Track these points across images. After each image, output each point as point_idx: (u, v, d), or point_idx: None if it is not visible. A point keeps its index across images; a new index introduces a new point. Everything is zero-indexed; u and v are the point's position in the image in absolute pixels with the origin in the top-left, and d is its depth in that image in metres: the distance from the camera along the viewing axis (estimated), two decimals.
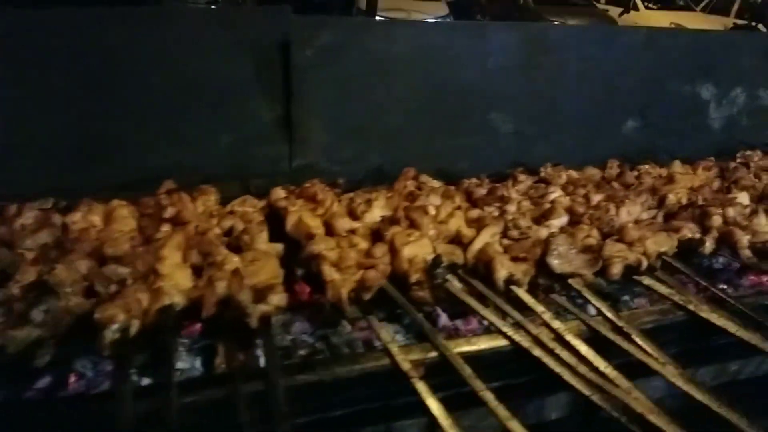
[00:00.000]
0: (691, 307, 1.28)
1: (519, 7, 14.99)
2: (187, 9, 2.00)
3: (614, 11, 15.45)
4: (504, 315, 1.25)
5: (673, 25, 14.22)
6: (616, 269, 1.40)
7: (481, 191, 1.77)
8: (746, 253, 1.55)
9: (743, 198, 1.75)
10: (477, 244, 1.42)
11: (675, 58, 2.51)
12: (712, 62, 2.57)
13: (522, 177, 1.94)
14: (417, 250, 1.37)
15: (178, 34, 1.92)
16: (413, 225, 1.45)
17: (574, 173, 1.94)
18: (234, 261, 1.26)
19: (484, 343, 1.18)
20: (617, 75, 2.43)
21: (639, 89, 2.48)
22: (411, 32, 2.17)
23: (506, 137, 2.33)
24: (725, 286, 1.55)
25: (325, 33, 2.06)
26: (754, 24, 14.02)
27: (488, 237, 1.43)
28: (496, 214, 1.63)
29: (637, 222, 1.68)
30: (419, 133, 2.23)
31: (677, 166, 2.13)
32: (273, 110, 2.07)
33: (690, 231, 1.60)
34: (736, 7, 15.73)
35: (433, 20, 13.10)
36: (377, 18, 11.93)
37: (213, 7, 14.58)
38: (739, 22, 14.25)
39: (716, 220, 1.61)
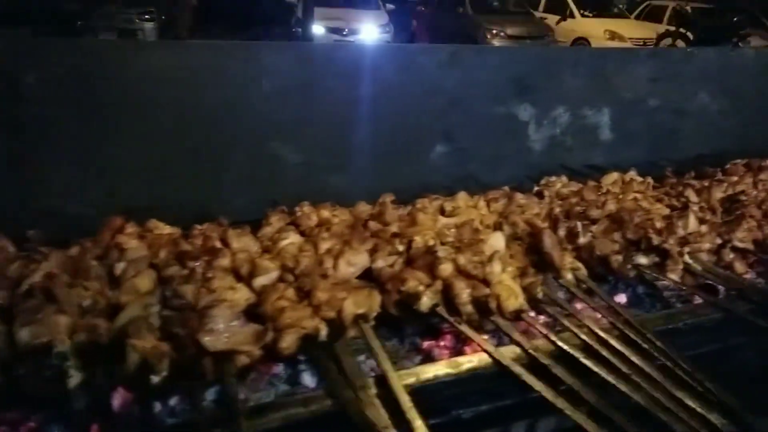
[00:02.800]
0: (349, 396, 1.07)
1: (458, 15, 15.07)
2: None
3: (552, 19, 15.69)
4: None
5: (607, 32, 14.54)
6: (286, 342, 1.18)
7: (197, 242, 1.53)
8: (467, 309, 1.36)
9: (495, 239, 1.57)
10: (121, 319, 1.18)
11: (485, 77, 2.34)
12: (529, 80, 2.41)
13: (275, 218, 1.72)
14: (39, 331, 1.13)
15: None
16: (49, 297, 1.20)
17: (326, 212, 1.72)
18: None
19: None
20: (419, 97, 2.25)
21: (445, 111, 2.30)
22: (167, 54, 1.93)
23: (294, 169, 2.11)
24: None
25: (60, 58, 1.81)
26: (682, 31, 14.43)
27: (139, 309, 1.20)
28: (200, 270, 1.39)
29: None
30: (186, 166, 1.99)
31: (461, 199, 1.94)
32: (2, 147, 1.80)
33: (417, 282, 1.40)
34: (668, 14, 16.18)
35: (374, 28, 13.06)
36: (317, 27, 11.86)
37: (148, 17, 14.12)
38: (671, 28, 14.65)
39: (444, 270, 1.42)
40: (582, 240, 1.73)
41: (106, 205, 1.91)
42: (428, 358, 1.40)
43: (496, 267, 1.43)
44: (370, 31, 12.79)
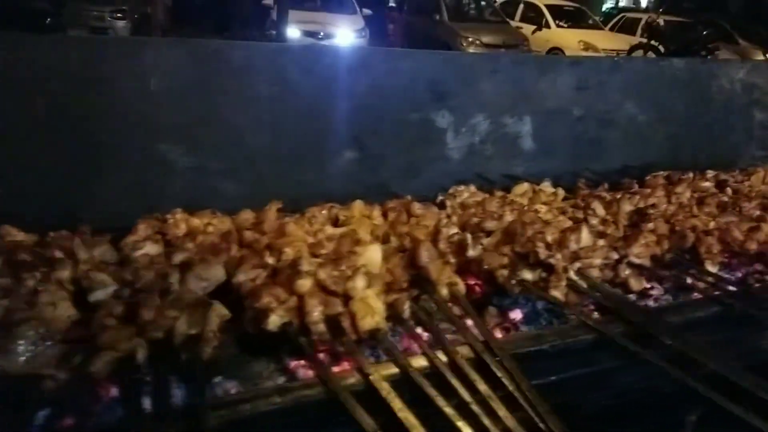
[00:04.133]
0: None
1: (434, 22, 15.09)
2: None
3: (528, 29, 15.82)
4: None
5: (581, 43, 14.67)
6: (96, 366, 1.06)
7: (44, 251, 1.41)
8: (318, 328, 1.26)
9: (371, 252, 1.48)
10: None
11: (399, 82, 2.26)
12: (446, 87, 2.33)
13: (143, 226, 1.60)
14: None
15: None
16: None
17: (198, 221, 1.61)
18: None
19: None
20: (326, 100, 2.15)
21: (356, 117, 2.20)
22: (40, 48, 1.81)
23: (184, 173, 1.99)
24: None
25: None
26: (654, 43, 14.66)
27: None
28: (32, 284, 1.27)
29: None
30: (62, 170, 1.85)
31: (356, 208, 1.85)
32: None
33: (271, 299, 1.30)
34: (641, 26, 16.40)
35: (350, 32, 13.00)
36: (293, 30, 11.75)
37: (120, 16, 13.94)
38: (644, 40, 14.87)
39: (302, 285, 1.32)
40: (472, 253, 1.64)
41: None
42: (293, 378, 1.30)
43: (359, 282, 1.33)
44: (345, 35, 12.73)
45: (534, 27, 15.62)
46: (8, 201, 1.75)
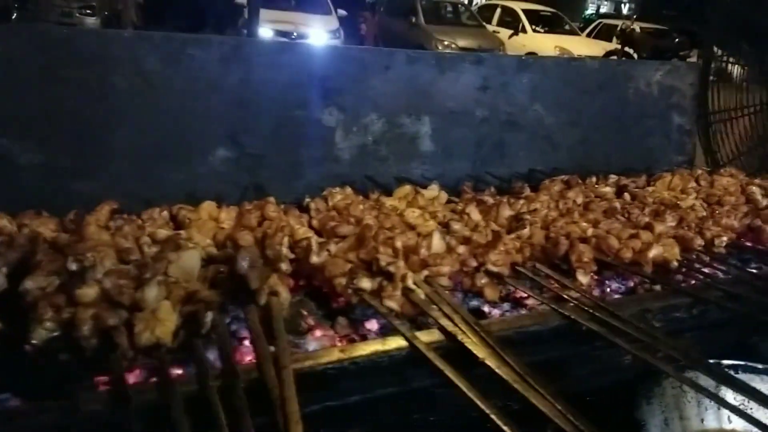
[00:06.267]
0: None
1: (410, 24, 15.03)
2: None
3: (504, 33, 15.87)
4: None
5: (557, 48, 14.70)
6: None
7: None
8: (90, 344, 1.12)
9: (188, 259, 1.34)
10: None
11: (280, 76, 2.12)
12: (335, 83, 2.20)
13: None
14: None
15: None
16: None
17: (4, 222, 1.46)
18: None
19: None
20: (194, 94, 2.00)
21: (230, 112, 2.06)
22: None
23: (29, 171, 1.83)
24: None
25: None
26: (628, 50, 14.78)
27: None
28: None
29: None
30: None
31: (204, 209, 1.71)
32: None
33: (48, 310, 1.16)
34: (616, 32, 16.50)
35: (323, 32, 12.86)
36: (265, 29, 11.59)
37: (89, 12, 13.71)
38: (619, 47, 14.97)
39: (85, 294, 1.18)
40: (315, 259, 1.51)
41: None
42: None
43: (150, 292, 1.20)
44: (319, 35, 12.59)
45: (511, 32, 15.65)
46: None
